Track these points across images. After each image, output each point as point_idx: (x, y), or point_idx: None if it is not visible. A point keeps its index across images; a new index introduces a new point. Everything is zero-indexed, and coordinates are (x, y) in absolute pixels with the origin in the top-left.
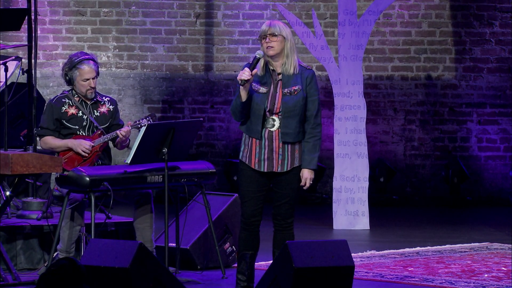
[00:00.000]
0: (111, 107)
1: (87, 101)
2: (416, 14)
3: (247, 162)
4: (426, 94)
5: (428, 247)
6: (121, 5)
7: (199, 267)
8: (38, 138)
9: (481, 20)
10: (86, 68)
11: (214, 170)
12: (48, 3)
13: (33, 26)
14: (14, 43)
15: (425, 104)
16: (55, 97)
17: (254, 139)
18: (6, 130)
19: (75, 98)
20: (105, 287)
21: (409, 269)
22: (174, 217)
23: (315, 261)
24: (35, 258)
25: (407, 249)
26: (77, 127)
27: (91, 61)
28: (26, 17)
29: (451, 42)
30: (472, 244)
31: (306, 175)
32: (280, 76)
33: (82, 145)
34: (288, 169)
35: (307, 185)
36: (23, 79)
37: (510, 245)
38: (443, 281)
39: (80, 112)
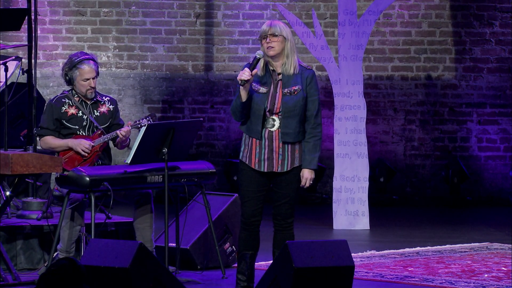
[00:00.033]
0: (111, 106)
1: (87, 101)
2: (416, 14)
3: (247, 162)
4: (426, 94)
5: (428, 247)
6: (121, 5)
7: (199, 267)
8: (38, 138)
9: (481, 20)
10: (86, 68)
11: (214, 170)
12: (48, 3)
13: (33, 26)
14: (14, 43)
15: (425, 104)
16: (55, 97)
17: (254, 139)
18: (6, 130)
19: (75, 98)
20: (105, 287)
21: (409, 269)
22: (174, 217)
23: (315, 261)
24: (35, 258)
25: (407, 249)
26: (77, 127)
27: (91, 61)
28: (26, 17)
29: (451, 42)
30: (472, 244)
31: (307, 175)
32: (280, 76)
33: (82, 145)
34: (288, 169)
35: (307, 185)
36: (23, 79)
37: (510, 245)
38: (443, 281)
39: (80, 112)
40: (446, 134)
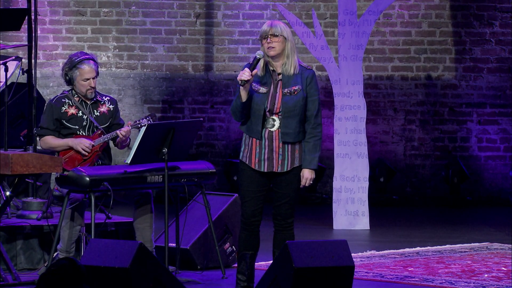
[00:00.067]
0: (111, 106)
1: (87, 101)
2: (416, 14)
3: (247, 162)
4: (426, 94)
5: (428, 247)
6: (121, 5)
7: (199, 267)
8: (38, 138)
9: (481, 20)
10: (87, 68)
11: (214, 170)
12: (48, 3)
13: (33, 26)
14: (14, 43)
15: (425, 104)
16: (55, 97)
17: (254, 139)
18: (6, 130)
19: (75, 98)
20: (105, 287)
21: (409, 269)
22: (174, 217)
23: (315, 261)
24: (35, 258)
25: (407, 249)
26: (77, 127)
27: (91, 61)
28: (26, 17)
29: (451, 42)
30: (472, 244)
31: (307, 175)
32: (280, 76)
33: (83, 144)
34: (288, 169)
35: (307, 184)
36: (23, 79)
37: (510, 245)
38: (443, 281)
39: (80, 112)
40: (446, 134)
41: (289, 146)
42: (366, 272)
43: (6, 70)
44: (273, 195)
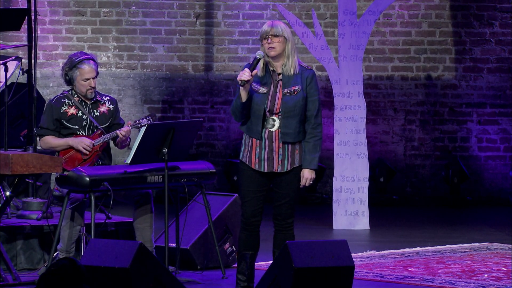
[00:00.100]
0: (111, 106)
1: (87, 101)
2: (416, 14)
3: (247, 162)
4: (426, 94)
5: (428, 247)
6: (121, 5)
7: (199, 267)
8: (38, 138)
9: (481, 20)
10: (87, 68)
11: (214, 170)
12: (48, 3)
13: (33, 26)
14: (14, 43)
15: (425, 104)
16: (55, 97)
17: (254, 139)
18: (6, 130)
19: (75, 98)
20: (105, 287)
21: (409, 269)
22: (174, 217)
23: (315, 261)
24: (35, 258)
25: (407, 249)
26: (77, 127)
27: (91, 61)
28: (26, 17)
29: (451, 42)
30: (472, 244)
31: (307, 175)
32: (280, 77)
33: (83, 142)
34: (288, 169)
35: (307, 184)
36: (23, 79)
37: (510, 245)
38: (443, 281)
39: (80, 112)
40: (446, 134)
41: (289, 146)
42: (366, 272)
43: (6, 70)
44: (273, 195)
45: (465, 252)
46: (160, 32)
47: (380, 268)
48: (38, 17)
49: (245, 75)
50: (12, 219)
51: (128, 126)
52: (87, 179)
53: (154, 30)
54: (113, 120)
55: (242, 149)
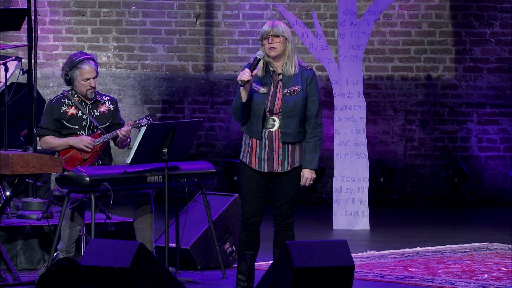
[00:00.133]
0: (111, 106)
1: (87, 101)
2: (416, 14)
3: (247, 162)
4: (426, 94)
5: (428, 247)
6: (121, 5)
7: (199, 267)
8: (38, 138)
9: (481, 20)
10: (87, 68)
11: (214, 170)
12: (48, 3)
13: (33, 26)
14: (14, 43)
15: (425, 104)
16: (55, 97)
17: (254, 139)
18: (6, 130)
19: (75, 98)
20: (105, 287)
21: (409, 269)
22: (174, 217)
23: (315, 261)
24: (35, 258)
25: (407, 249)
26: (77, 127)
27: (91, 61)
28: (26, 17)
29: (451, 42)
30: (472, 244)
31: (307, 175)
32: (280, 77)
33: (84, 141)
34: (289, 169)
35: (307, 184)
36: (23, 79)
37: (510, 245)
38: (443, 281)
39: (80, 112)
40: (446, 134)
41: (289, 146)
42: (366, 272)
43: (6, 70)
44: (273, 195)
45: (465, 252)
46: (160, 32)
47: (380, 268)
48: (38, 17)
49: (245, 75)
50: (12, 219)
51: (128, 126)
52: (87, 179)
53: (154, 30)
54: (113, 120)
55: (242, 149)
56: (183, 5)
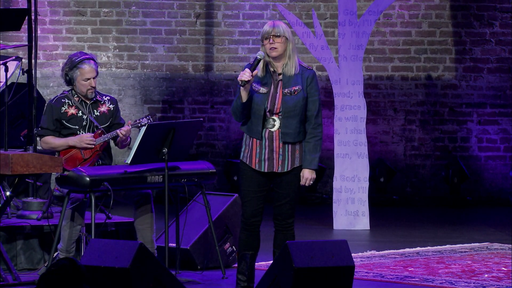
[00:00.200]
0: (111, 106)
1: (87, 101)
2: (416, 14)
3: (247, 162)
4: (426, 94)
5: (428, 247)
6: (121, 5)
7: (199, 267)
8: (38, 139)
9: (481, 20)
10: (87, 68)
11: (214, 170)
12: (48, 3)
13: (33, 26)
14: (14, 43)
15: (425, 104)
16: (55, 97)
17: (254, 140)
18: (6, 130)
19: (75, 98)
20: (105, 287)
21: (409, 269)
22: (174, 217)
23: (315, 261)
24: (35, 258)
25: (407, 249)
26: (77, 127)
27: (91, 61)
28: (26, 17)
29: (451, 42)
30: (472, 244)
31: (307, 175)
32: (280, 77)
33: (84, 139)
34: (289, 169)
35: (307, 184)
36: (23, 79)
37: (510, 245)
38: (443, 281)
39: (80, 112)
40: (446, 134)
41: (290, 146)
42: (366, 272)
43: (6, 70)
44: (274, 195)
45: (465, 252)
46: (160, 32)
47: (380, 268)
48: (38, 17)
49: (245, 75)
50: (12, 219)
51: (128, 126)
52: (87, 179)
53: (154, 30)
54: (114, 120)
55: (243, 149)
56: (183, 5)
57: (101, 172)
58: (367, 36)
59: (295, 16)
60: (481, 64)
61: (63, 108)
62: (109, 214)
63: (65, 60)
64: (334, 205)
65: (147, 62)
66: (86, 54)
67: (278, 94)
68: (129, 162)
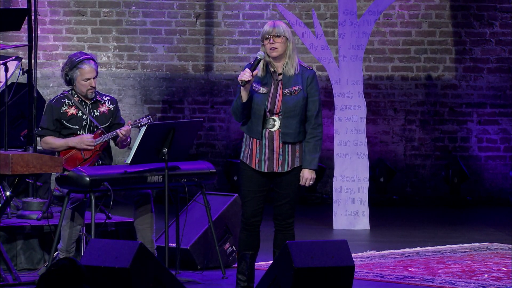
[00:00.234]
0: (111, 106)
1: (87, 101)
2: (416, 14)
3: (247, 162)
4: (426, 94)
5: (428, 247)
6: (121, 5)
7: (199, 267)
8: (38, 139)
9: (481, 20)
10: (87, 68)
11: (214, 170)
12: (48, 3)
13: (33, 26)
14: (14, 43)
15: (425, 104)
16: (55, 97)
17: (254, 140)
18: (6, 130)
19: (75, 98)
20: (105, 287)
21: (409, 269)
22: (174, 217)
23: (315, 261)
24: (35, 258)
25: (407, 249)
26: (77, 127)
27: (91, 61)
28: (26, 17)
29: (451, 42)
30: (472, 244)
31: (307, 175)
32: (280, 77)
33: (85, 140)
34: (289, 169)
35: (307, 184)
36: (23, 79)
37: (510, 245)
38: (443, 281)
39: (80, 112)
40: (446, 134)
41: (290, 146)
42: (366, 272)
43: (6, 70)
44: (274, 195)
45: (465, 252)
46: (160, 32)
47: (380, 268)
48: (38, 17)
49: (245, 75)
50: (12, 219)
51: (128, 126)
52: (87, 179)
53: (154, 30)
54: (114, 120)
55: (243, 149)
56: (183, 5)
57: (101, 172)
58: (367, 36)
59: (295, 16)
60: (481, 64)
61: (63, 108)
62: (109, 214)
63: (65, 60)
64: (334, 205)
65: (147, 62)
66: (86, 54)
67: (278, 94)
68: (129, 162)
